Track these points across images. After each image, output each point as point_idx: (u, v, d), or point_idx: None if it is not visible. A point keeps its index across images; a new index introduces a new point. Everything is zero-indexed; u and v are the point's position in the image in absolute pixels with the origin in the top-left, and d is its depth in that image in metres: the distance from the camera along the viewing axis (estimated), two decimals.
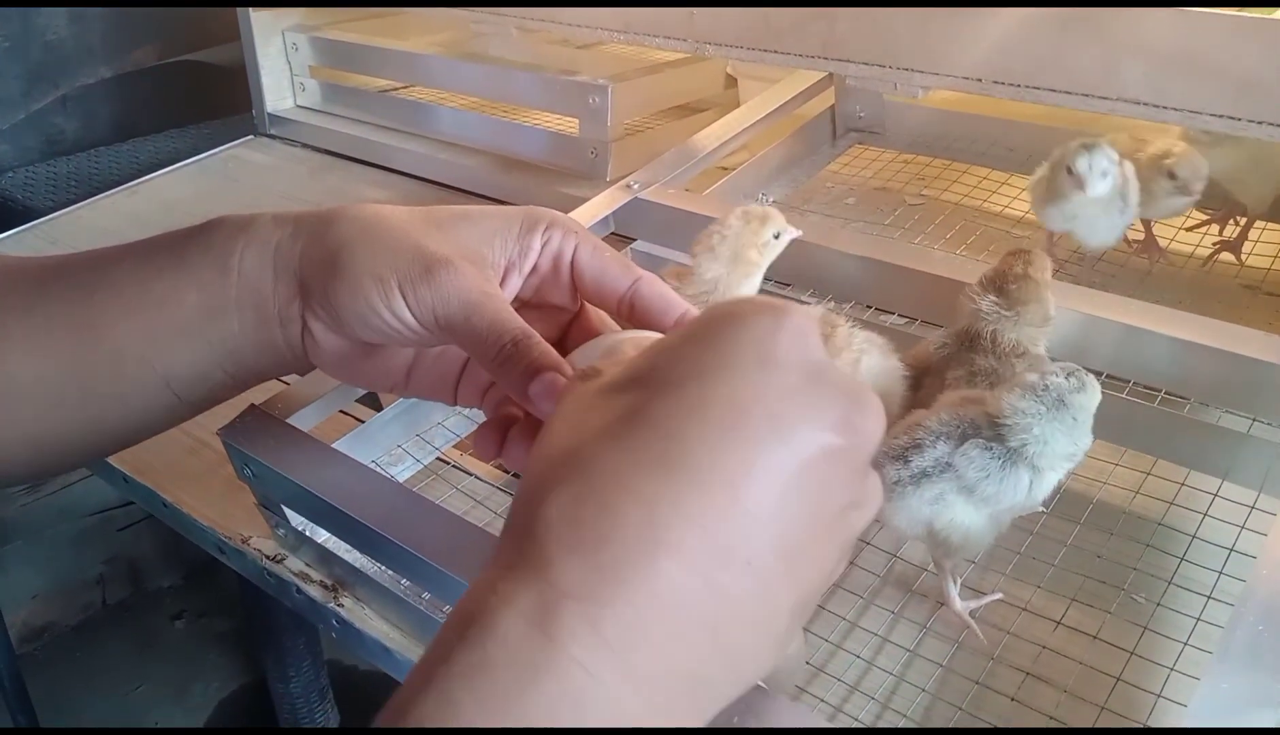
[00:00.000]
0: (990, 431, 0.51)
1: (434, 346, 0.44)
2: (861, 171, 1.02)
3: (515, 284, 0.43)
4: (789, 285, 0.76)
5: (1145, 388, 0.63)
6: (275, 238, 0.42)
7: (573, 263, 0.42)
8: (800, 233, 0.68)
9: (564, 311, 0.45)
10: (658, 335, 0.39)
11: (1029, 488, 0.51)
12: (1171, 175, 0.78)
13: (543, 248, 0.42)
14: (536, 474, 0.28)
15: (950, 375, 0.59)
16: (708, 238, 0.65)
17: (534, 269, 0.43)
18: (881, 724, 0.52)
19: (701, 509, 0.26)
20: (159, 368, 0.43)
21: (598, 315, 0.44)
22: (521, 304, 0.44)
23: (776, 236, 0.66)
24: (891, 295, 0.72)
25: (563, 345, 0.44)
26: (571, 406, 0.30)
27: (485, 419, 0.43)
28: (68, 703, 1.34)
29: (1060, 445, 0.51)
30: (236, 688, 1.38)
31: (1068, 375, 0.51)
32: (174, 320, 0.42)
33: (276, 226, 0.42)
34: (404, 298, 0.39)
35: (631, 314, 0.42)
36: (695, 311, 0.41)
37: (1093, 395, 0.51)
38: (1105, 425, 0.64)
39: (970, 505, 0.52)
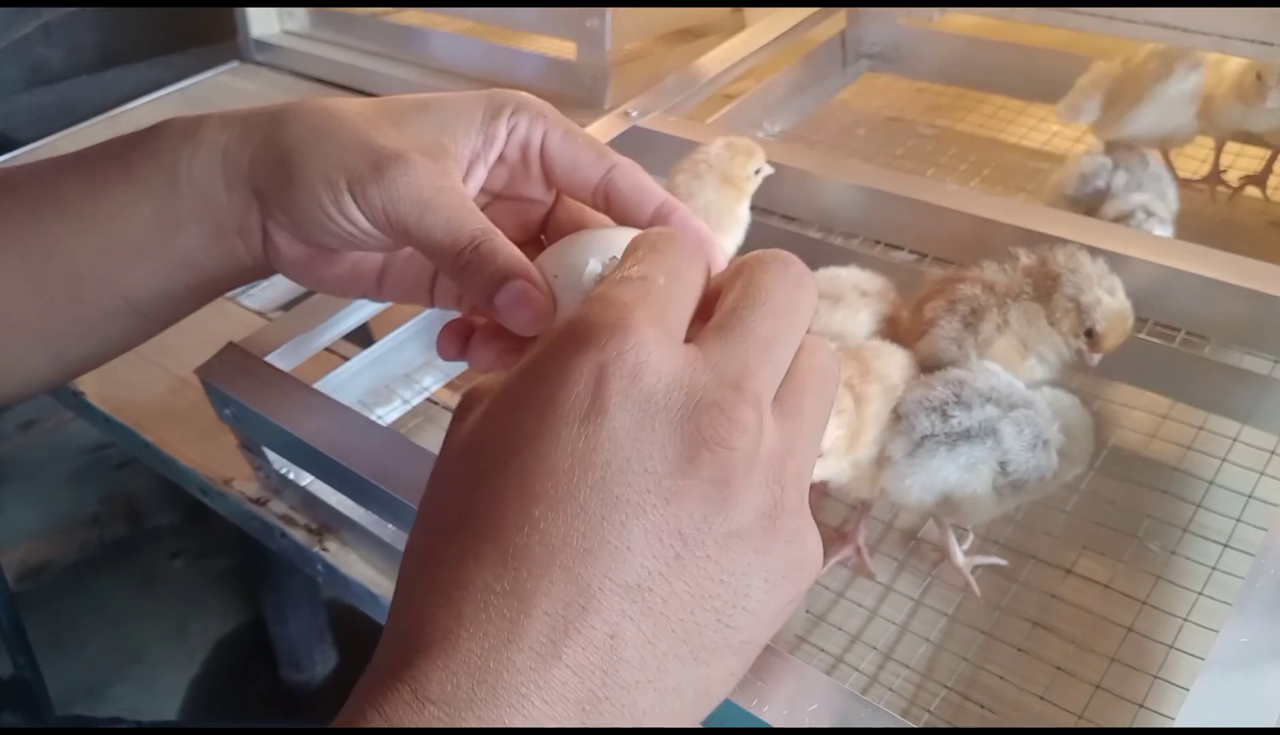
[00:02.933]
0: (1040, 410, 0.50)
1: (400, 250, 0.41)
2: (873, 100, 0.98)
3: (480, 175, 0.39)
4: (795, 219, 0.73)
5: (1164, 327, 0.61)
6: (222, 142, 0.39)
7: (542, 151, 0.39)
8: (772, 170, 0.65)
9: (539, 203, 0.41)
10: (633, 231, 0.36)
11: (1054, 473, 0.50)
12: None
13: (509, 135, 0.38)
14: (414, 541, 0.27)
15: (929, 306, 0.56)
16: (693, 164, 0.63)
17: (501, 158, 0.39)
18: (884, 674, 0.50)
19: (545, 595, 0.24)
20: (118, 286, 0.40)
21: (576, 205, 0.41)
22: (493, 197, 0.41)
23: (757, 172, 0.63)
24: (901, 230, 0.69)
25: (544, 239, 0.41)
26: (448, 453, 0.28)
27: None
28: (66, 641, 1.34)
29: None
30: (235, 627, 1.38)
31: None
32: (128, 236, 0.39)
33: (223, 129, 0.39)
34: (354, 199, 0.36)
35: (608, 206, 0.38)
36: (674, 202, 0.37)
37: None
38: (1122, 366, 0.62)
39: (994, 480, 0.49)
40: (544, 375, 0.26)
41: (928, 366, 0.53)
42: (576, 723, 0.23)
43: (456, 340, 0.37)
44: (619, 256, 0.34)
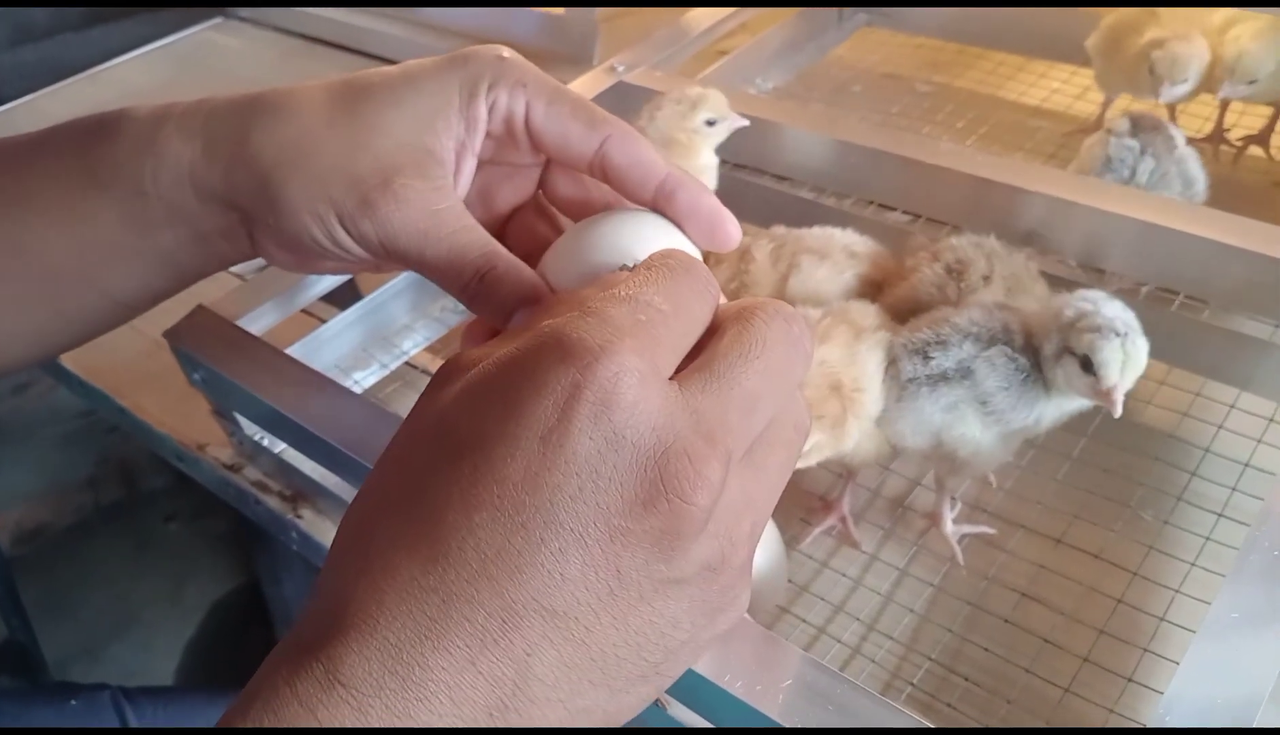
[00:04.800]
0: (1020, 340, 0.48)
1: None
2: (869, 56, 0.95)
3: (470, 167, 0.37)
4: (786, 179, 0.71)
5: (1163, 291, 0.59)
6: (186, 157, 0.37)
7: (528, 124, 0.36)
8: (747, 122, 0.61)
9: (534, 165, 0.39)
10: (641, 215, 0.34)
11: (1040, 413, 0.48)
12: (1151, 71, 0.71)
13: (490, 112, 0.36)
14: (356, 512, 0.27)
15: (909, 261, 0.54)
16: (637, 119, 0.60)
17: (487, 134, 0.37)
18: (866, 646, 0.50)
19: (469, 602, 0.24)
20: (98, 283, 0.39)
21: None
22: (483, 163, 0.38)
23: (711, 123, 0.59)
24: (895, 190, 0.67)
25: (546, 194, 0.39)
26: (415, 424, 0.27)
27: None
28: (62, 604, 1.34)
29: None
30: (230, 589, 1.38)
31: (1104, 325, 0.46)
32: (101, 237, 0.38)
33: (185, 140, 0.37)
34: (347, 233, 0.35)
35: (606, 181, 0.36)
36: (678, 177, 0.35)
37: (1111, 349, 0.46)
38: None
39: (981, 420, 0.48)
40: (518, 378, 0.25)
41: (910, 310, 0.52)
42: (484, 724, 0.23)
43: (482, 341, 0.36)
44: (629, 265, 0.32)
